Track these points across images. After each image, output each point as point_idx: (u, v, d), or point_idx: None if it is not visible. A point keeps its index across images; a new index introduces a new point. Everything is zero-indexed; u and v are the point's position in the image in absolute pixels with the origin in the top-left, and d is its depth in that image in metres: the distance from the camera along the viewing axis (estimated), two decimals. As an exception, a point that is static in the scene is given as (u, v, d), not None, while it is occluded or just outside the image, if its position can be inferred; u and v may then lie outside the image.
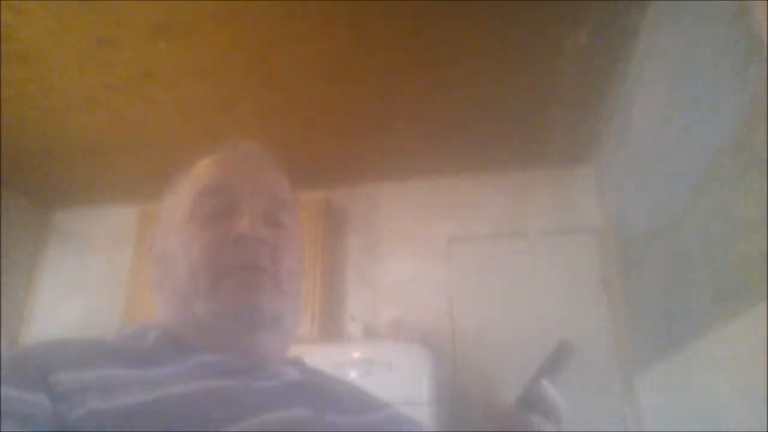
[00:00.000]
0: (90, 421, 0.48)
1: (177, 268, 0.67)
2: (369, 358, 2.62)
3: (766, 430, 1.32)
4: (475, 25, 2.25)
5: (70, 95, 2.64)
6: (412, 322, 3.12)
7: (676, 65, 1.94)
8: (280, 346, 0.70)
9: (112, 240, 3.69)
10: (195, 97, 2.68)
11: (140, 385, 0.53)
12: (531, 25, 2.25)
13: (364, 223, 3.52)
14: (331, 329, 3.14)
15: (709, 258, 1.69)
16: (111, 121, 2.85)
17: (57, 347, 0.57)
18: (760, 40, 1.31)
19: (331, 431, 0.57)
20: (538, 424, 0.54)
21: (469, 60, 2.46)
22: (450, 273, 3.29)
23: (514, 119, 2.92)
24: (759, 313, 1.37)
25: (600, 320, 2.98)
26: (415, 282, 3.30)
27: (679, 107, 1.90)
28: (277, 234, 0.70)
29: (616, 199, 2.86)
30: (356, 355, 2.67)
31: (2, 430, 0.45)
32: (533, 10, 2.17)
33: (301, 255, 0.75)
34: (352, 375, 2.50)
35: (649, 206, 2.29)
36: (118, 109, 2.76)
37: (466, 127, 2.98)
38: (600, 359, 2.88)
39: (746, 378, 1.47)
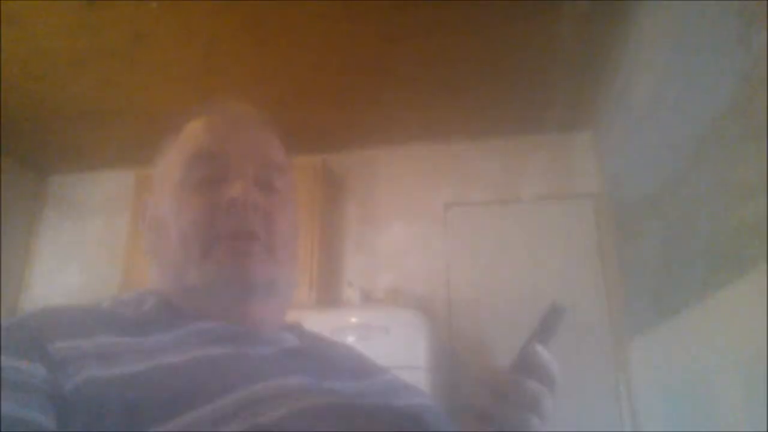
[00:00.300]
0: (87, 389, 0.48)
1: (169, 236, 0.66)
2: (366, 323, 2.64)
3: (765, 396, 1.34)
4: (474, -13, 2.21)
5: (60, 58, 2.59)
6: (408, 289, 3.14)
7: (676, 29, 1.90)
8: (275, 312, 0.70)
9: (108, 204, 3.67)
10: (187, 59, 2.63)
11: (137, 353, 0.53)
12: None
13: (361, 189, 3.51)
14: (328, 295, 3.15)
15: (706, 224, 1.69)
16: (103, 84, 2.81)
17: (54, 315, 0.57)
18: (763, 3, 1.29)
19: (329, 398, 0.57)
20: (532, 390, 0.54)
21: (466, 24, 2.42)
22: (446, 239, 3.29)
23: (512, 84, 2.89)
24: (754, 279, 1.38)
25: (596, 286, 3.01)
26: (411, 248, 3.30)
27: (679, 72, 1.88)
28: (270, 199, 0.68)
29: (614, 164, 2.85)
30: (353, 320, 2.69)
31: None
32: (533, -29, 2.12)
33: (295, 220, 0.74)
34: (350, 340, 2.52)
35: (647, 172, 2.28)
36: (109, 72, 2.72)
37: (464, 91, 2.95)
38: (594, 324, 2.91)
39: (741, 343, 1.49)
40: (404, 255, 3.29)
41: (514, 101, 3.04)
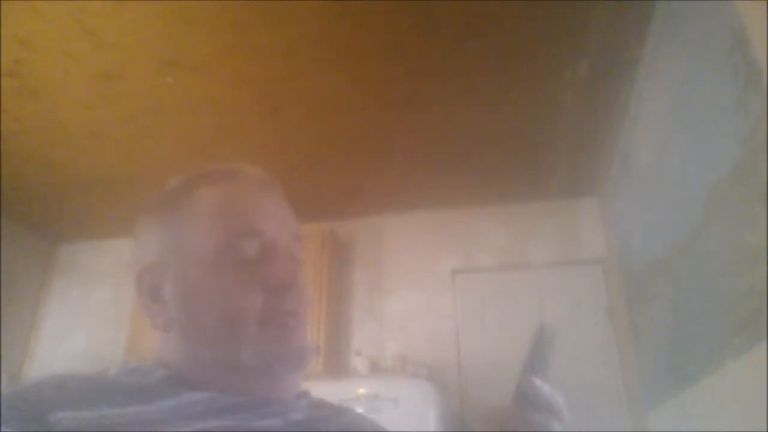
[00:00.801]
0: None
1: (208, 312, 0.64)
2: (375, 393, 2.58)
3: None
4: (475, 61, 2.28)
5: (77, 129, 2.67)
6: (417, 356, 3.08)
7: (676, 95, 1.95)
8: (296, 381, 0.70)
9: (117, 273, 3.68)
10: (200, 130, 2.71)
11: (142, 425, 0.52)
12: (531, 57, 2.28)
13: (369, 256, 3.51)
14: (336, 364, 3.10)
15: (715, 289, 1.67)
16: (117, 155, 2.88)
17: (57, 384, 0.56)
18: (759, 69, 1.32)
19: None
20: (540, 423, 0.53)
21: (470, 94, 2.49)
22: (455, 306, 3.26)
23: (516, 151, 2.94)
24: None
25: (607, 352, 2.94)
26: (420, 315, 3.27)
27: (680, 137, 1.91)
28: (296, 265, 0.70)
29: (621, 229, 2.85)
30: (362, 390, 2.63)
31: None
32: (532, 43, 2.20)
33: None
34: (358, 411, 2.45)
35: (654, 236, 2.27)
36: (124, 143, 2.79)
37: (469, 159, 3.00)
38: (609, 393, 2.83)
39: (758, 413, 1.44)
40: (412, 321, 3.25)
41: (519, 168, 3.08)
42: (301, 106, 2.58)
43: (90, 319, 3.61)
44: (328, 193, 3.32)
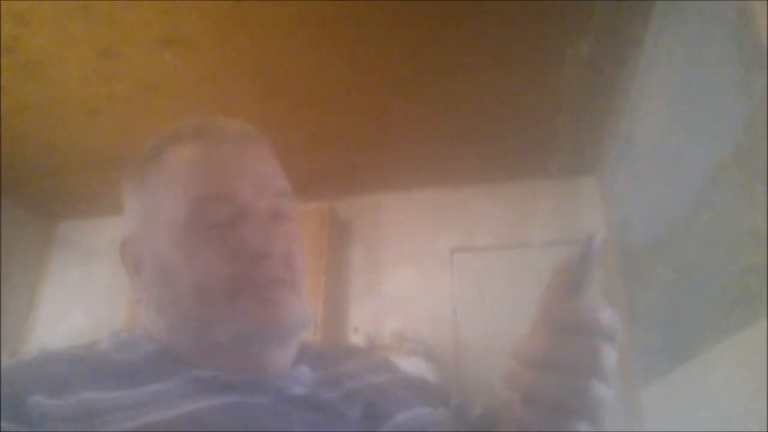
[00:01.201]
0: None
1: (178, 285, 0.58)
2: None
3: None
4: (477, 38, 2.26)
5: (74, 106, 2.65)
6: (415, 334, 3.11)
7: (679, 74, 1.93)
8: (291, 350, 0.64)
9: (115, 251, 3.68)
10: (198, 108, 2.69)
11: (124, 409, 0.49)
12: (533, 36, 2.25)
13: (368, 234, 3.52)
14: (334, 341, 3.12)
15: (714, 269, 1.68)
16: (115, 132, 2.86)
17: (38, 364, 0.53)
18: (762, 47, 1.31)
19: None
20: (586, 347, 0.43)
21: (472, 72, 2.47)
22: (453, 284, 3.27)
23: (517, 130, 2.92)
24: (766, 323, 1.36)
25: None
26: (418, 293, 3.28)
27: (682, 116, 1.90)
28: (286, 231, 0.61)
29: (620, 209, 2.85)
30: (359, 367, 2.64)
31: None
32: (535, 22, 2.18)
33: (302, 244, 0.67)
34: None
35: (653, 216, 2.27)
36: (122, 120, 2.77)
37: (469, 138, 2.98)
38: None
39: (757, 391, 1.46)
40: (411, 300, 3.27)
41: (520, 147, 3.07)
42: (300, 85, 2.55)
43: (89, 296, 3.62)
44: (327, 172, 3.31)
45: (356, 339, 3.08)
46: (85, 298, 3.62)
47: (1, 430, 0.44)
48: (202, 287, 0.57)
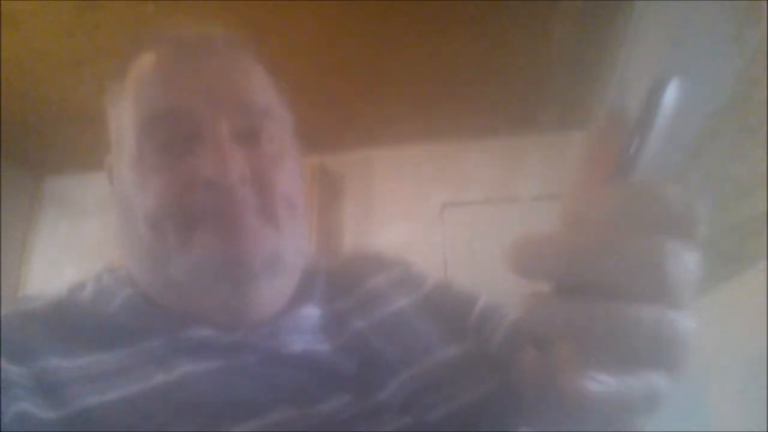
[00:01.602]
0: (18, 427, 0.39)
1: (134, 217, 0.52)
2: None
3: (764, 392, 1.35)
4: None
5: (57, 59, 2.59)
6: (406, 288, 3.14)
7: (672, 27, 1.91)
8: (282, 292, 0.55)
9: (105, 206, 3.66)
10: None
11: (88, 381, 0.44)
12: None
13: (359, 189, 3.51)
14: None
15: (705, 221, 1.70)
16: (100, 86, 2.80)
17: (6, 326, 0.47)
18: (755, 2, 1.29)
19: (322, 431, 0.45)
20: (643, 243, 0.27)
21: (462, 24, 2.42)
22: (444, 239, 3.29)
23: (508, 84, 2.89)
24: (753, 276, 1.39)
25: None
26: (409, 248, 3.30)
27: (674, 71, 1.88)
28: (259, 153, 0.52)
29: (611, 164, 2.85)
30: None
31: None
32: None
33: (297, 172, 0.59)
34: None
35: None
36: (106, 74, 2.71)
37: (460, 92, 2.95)
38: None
39: (740, 343, 1.50)
40: (402, 254, 3.29)
41: (511, 101, 3.05)
42: (289, 36, 2.50)
43: (80, 251, 3.62)
44: (316, 126, 3.28)
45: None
46: (76, 253, 3.62)
47: None
48: (154, 219, 0.50)
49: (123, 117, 0.55)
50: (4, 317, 0.49)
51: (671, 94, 0.32)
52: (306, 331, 0.54)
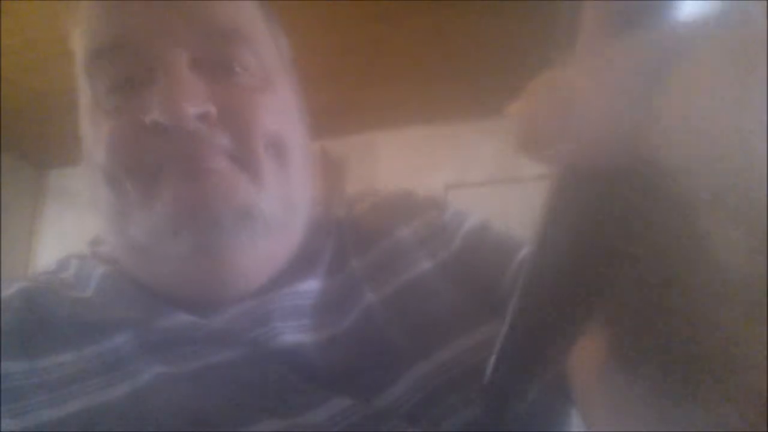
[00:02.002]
0: None
1: (92, 172, 0.45)
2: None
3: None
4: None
5: (51, 49, 2.58)
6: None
7: None
8: (266, 259, 0.45)
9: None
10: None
11: (48, 389, 0.37)
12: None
13: (362, 173, 3.49)
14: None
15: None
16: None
17: None
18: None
19: None
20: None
21: (464, 5, 2.39)
22: (448, 221, 3.28)
23: (511, 63, 2.84)
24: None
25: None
26: (413, 231, 3.29)
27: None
28: (231, 86, 0.43)
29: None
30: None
31: None
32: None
33: (291, 107, 0.52)
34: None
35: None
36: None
37: (462, 72, 2.92)
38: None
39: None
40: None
41: (513, 80, 2.99)
42: (287, 17, 2.46)
43: (86, 244, 3.62)
44: (317, 110, 3.21)
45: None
46: (82, 245, 3.62)
47: None
48: (108, 172, 0.42)
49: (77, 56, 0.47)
50: None
51: None
52: (303, 314, 0.44)
